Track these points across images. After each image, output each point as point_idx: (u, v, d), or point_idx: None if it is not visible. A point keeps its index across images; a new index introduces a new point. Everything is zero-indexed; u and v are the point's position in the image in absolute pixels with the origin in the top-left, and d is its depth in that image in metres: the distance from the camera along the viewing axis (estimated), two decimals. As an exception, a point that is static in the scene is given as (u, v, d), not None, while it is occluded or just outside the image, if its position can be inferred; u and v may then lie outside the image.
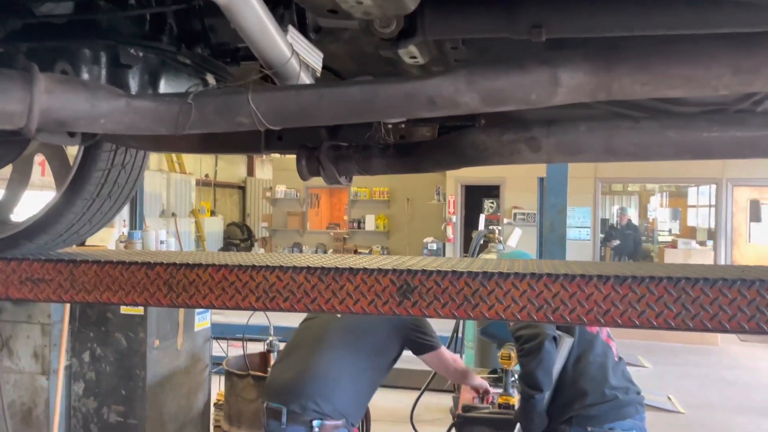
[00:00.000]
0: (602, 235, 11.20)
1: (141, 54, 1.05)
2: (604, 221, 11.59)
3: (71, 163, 2.20)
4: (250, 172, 18.14)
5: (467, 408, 3.15)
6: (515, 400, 3.20)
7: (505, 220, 10.28)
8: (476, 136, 1.15)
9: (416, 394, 4.66)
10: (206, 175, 15.79)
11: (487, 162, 1.20)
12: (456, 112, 0.93)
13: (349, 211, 14.41)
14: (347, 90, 0.91)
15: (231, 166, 17.22)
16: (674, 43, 0.87)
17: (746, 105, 1.21)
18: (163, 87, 1.11)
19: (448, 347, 4.60)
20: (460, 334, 4.60)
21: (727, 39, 0.84)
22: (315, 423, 2.40)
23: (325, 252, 13.89)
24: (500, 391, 3.24)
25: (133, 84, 1.06)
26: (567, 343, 2.59)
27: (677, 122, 1.06)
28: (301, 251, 14.38)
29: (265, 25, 0.89)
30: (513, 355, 3.42)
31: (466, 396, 3.39)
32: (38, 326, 3.72)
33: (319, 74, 1.21)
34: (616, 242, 10.34)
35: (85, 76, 1.00)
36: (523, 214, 10.35)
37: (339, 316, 2.17)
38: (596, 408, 2.49)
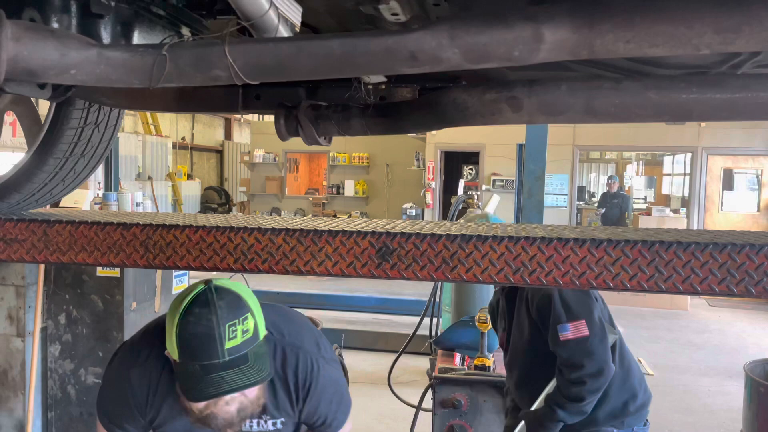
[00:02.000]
0: (585, 204, 11.34)
1: (113, 3, 1.01)
2: (581, 188, 11.71)
3: (43, 121, 2.14)
4: (228, 135, 17.88)
5: (444, 369, 3.21)
6: (491, 361, 3.26)
7: (484, 187, 10.32)
8: (458, 95, 1.14)
9: (394, 356, 4.73)
10: (183, 139, 15.52)
11: (468, 122, 1.19)
12: (438, 69, 0.91)
13: (328, 177, 14.33)
14: (327, 43, 0.89)
15: (208, 130, 16.95)
16: (657, 1, 0.87)
17: (725, 68, 1.21)
18: (137, 39, 1.08)
19: (425, 312, 4.66)
20: (437, 299, 4.65)
21: (710, -2, 0.84)
22: None
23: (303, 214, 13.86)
24: (477, 353, 3.30)
25: (105, 35, 1.02)
26: (613, 340, 2.25)
27: (657, 83, 1.06)
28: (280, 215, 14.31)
29: (242, -26, 0.86)
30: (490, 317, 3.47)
31: (444, 358, 3.45)
32: (12, 288, 3.68)
33: (297, 29, 1.18)
34: (602, 210, 10.43)
35: (55, 25, 0.96)
36: (502, 180, 10.41)
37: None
38: (644, 406, 2.30)
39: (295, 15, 1.12)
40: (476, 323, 3.44)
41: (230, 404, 1.37)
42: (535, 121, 1.16)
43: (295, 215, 13.93)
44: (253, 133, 15.37)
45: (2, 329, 3.63)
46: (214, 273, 1.66)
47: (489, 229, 2.04)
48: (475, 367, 3.22)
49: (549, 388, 2.27)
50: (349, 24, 1.56)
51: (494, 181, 10.49)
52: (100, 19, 1.01)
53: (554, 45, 0.86)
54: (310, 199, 14.56)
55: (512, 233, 1.89)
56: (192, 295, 1.42)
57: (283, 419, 1.55)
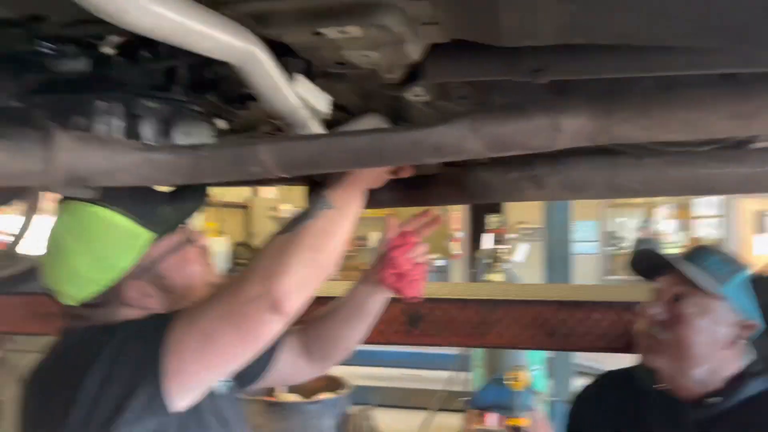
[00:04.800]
0: (615, 250, 11.19)
1: (154, 105, 1.08)
2: (610, 234, 11.56)
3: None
4: (255, 191, 18.18)
5: (478, 431, 3.15)
6: (524, 421, 3.20)
7: (511, 236, 10.26)
8: (481, 174, 1.18)
9: (425, 414, 4.65)
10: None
11: (492, 198, 1.23)
12: (461, 158, 0.95)
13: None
14: (356, 140, 0.94)
15: (235, 187, 17.22)
16: (674, 88, 0.90)
17: (742, 139, 1.23)
18: (175, 134, 1.14)
19: (456, 368, 4.60)
20: (468, 354, 4.60)
21: (726, 84, 0.87)
22: None
23: (331, 270, 13.82)
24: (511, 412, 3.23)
25: (146, 133, 1.09)
26: None
27: (678, 159, 1.08)
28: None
29: (275, 82, 0.92)
30: (521, 375, 3.41)
31: (477, 418, 3.38)
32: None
33: (327, 117, 1.24)
34: None
35: (101, 127, 1.03)
36: (529, 229, 10.32)
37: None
38: None
39: (325, 105, 1.17)
40: (509, 382, 3.39)
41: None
42: (558, 197, 1.18)
43: (322, 268, 13.93)
44: (279, 189, 15.62)
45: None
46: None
47: (520, 292, 2.05)
48: (510, 428, 3.16)
49: None
50: (374, 101, 1.63)
51: (521, 229, 10.41)
52: (142, 119, 1.07)
53: (573, 133, 0.89)
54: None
55: (544, 296, 1.90)
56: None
57: None
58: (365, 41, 0.87)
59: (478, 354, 4.72)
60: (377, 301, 1.44)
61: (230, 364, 1.06)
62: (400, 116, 1.75)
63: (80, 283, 1.12)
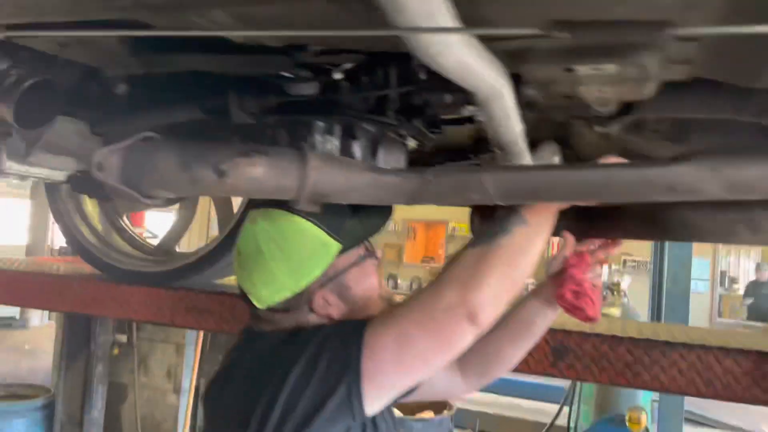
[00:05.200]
0: (725, 291, 10.47)
1: (368, 127, 1.13)
2: (722, 273, 10.84)
3: (234, 209, 2.39)
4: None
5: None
6: (646, 467, 3.03)
7: (613, 267, 9.85)
8: (688, 215, 1.14)
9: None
10: (309, 204, 16.22)
11: (694, 239, 1.18)
12: (690, 199, 0.93)
13: (446, 246, 14.34)
14: (583, 173, 0.93)
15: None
16: None
17: None
18: (379, 154, 1.19)
19: (564, 401, 4.45)
20: (577, 387, 4.44)
21: None
22: None
23: (420, 285, 13.85)
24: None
25: (358, 153, 1.15)
26: None
27: None
28: (396, 283, 14.38)
29: (508, 113, 0.94)
30: (642, 418, 3.26)
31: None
32: (173, 346, 3.96)
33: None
34: (749, 300, 9.60)
35: (323, 146, 1.09)
36: (635, 261, 9.87)
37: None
38: None
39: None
40: (627, 423, 3.24)
41: None
42: (774, 244, 1.12)
43: (410, 283, 13.99)
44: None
45: (161, 384, 3.92)
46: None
47: (672, 335, 1.95)
48: (629, 472, 3.01)
49: None
50: (544, 128, 1.62)
51: (625, 261, 9.98)
52: (356, 140, 1.13)
53: (826, 181, 0.85)
54: (427, 267, 14.59)
55: (703, 341, 1.80)
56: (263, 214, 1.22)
57: None
58: (611, 78, 0.87)
59: (586, 390, 4.54)
60: (547, 319, 1.40)
61: (424, 370, 1.08)
62: (563, 143, 1.73)
63: (275, 286, 1.18)
